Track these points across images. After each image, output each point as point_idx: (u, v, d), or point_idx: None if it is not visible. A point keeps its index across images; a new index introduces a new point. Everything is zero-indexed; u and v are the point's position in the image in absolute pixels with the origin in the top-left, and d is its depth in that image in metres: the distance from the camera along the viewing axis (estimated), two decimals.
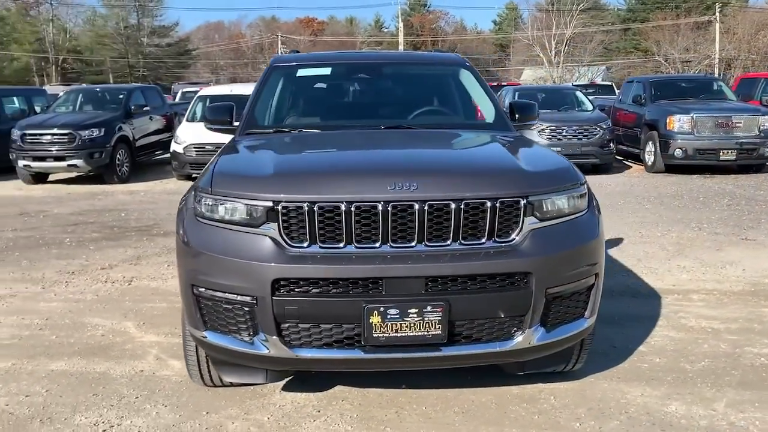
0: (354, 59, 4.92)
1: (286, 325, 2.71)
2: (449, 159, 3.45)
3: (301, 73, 4.48)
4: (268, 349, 2.74)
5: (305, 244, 2.69)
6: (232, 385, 3.25)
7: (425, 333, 2.68)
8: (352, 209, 2.65)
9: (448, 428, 2.98)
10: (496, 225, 2.72)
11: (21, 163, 11.45)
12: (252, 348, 2.77)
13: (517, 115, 4.17)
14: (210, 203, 2.82)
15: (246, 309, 2.72)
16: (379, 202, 2.66)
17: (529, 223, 2.77)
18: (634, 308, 4.62)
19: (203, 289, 2.81)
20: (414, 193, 2.66)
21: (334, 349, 2.73)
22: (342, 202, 2.65)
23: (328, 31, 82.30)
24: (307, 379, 3.40)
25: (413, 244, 2.69)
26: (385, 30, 76.60)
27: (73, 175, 12.08)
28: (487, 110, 4.23)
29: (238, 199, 2.75)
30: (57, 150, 11.21)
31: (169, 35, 58.49)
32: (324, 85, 4.47)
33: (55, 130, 11.34)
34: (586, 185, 3.06)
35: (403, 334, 2.67)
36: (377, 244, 2.68)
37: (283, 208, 2.68)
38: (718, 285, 5.14)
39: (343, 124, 4.06)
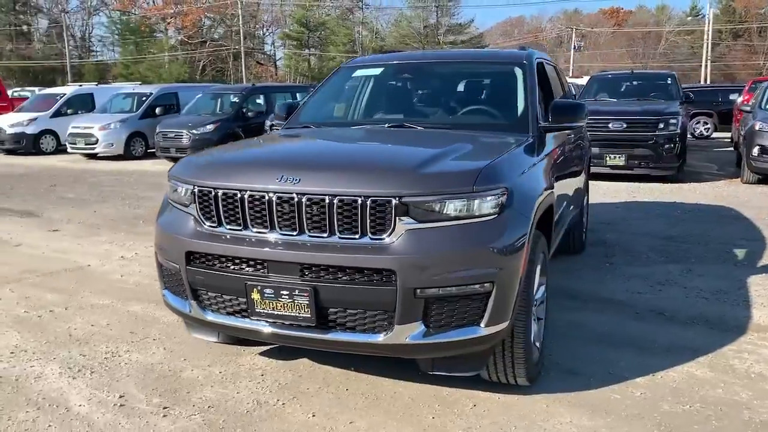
0: (408, 59, 5.06)
1: (200, 291, 3.19)
2: (355, 156, 3.54)
3: (358, 73, 4.83)
4: (190, 310, 3.25)
5: (215, 225, 3.12)
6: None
7: (297, 314, 2.92)
8: (246, 197, 3.00)
9: (347, 410, 3.14)
10: (367, 222, 2.83)
11: None
12: (184, 308, 3.30)
13: (550, 117, 3.99)
14: (170, 186, 3.42)
15: (178, 275, 3.27)
16: (267, 192, 2.96)
17: (404, 223, 2.80)
18: (683, 337, 4.06)
19: (160, 256, 3.43)
20: (296, 186, 2.90)
21: (232, 317, 3.13)
22: (238, 191, 3.03)
23: (632, 21, 77.79)
24: (292, 352, 3.75)
25: (296, 233, 2.94)
26: (701, 17, 69.17)
27: None
28: (518, 110, 4.12)
29: (180, 183, 3.30)
30: None
31: (464, 32, 61.13)
32: (370, 85, 4.75)
33: None
34: (496, 192, 2.91)
35: (279, 312, 2.95)
36: (267, 231, 3.00)
37: (199, 192, 3.16)
38: None
39: (360, 121, 4.34)
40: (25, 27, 60.20)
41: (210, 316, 3.16)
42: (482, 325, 2.86)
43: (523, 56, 4.50)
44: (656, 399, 3.25)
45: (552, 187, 3.67)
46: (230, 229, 3.05)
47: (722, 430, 2.95)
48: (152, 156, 15.97)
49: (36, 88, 26.27)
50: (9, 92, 23.78)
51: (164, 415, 3.09)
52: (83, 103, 17.66)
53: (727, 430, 2.95)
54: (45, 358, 3.75)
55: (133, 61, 53.39)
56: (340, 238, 2.85)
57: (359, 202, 2.80)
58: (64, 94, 17.90)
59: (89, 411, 3.13)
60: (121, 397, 3.27)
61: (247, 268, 2.98)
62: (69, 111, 17.19)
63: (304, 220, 2.88)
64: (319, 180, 2.89)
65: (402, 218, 2.79)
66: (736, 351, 3.84)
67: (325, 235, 2.87)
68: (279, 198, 2.92)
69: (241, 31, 54.39)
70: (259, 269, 2.95)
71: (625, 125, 10.65)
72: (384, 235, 2.81)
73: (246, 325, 3.05)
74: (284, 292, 2.89)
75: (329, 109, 4.69)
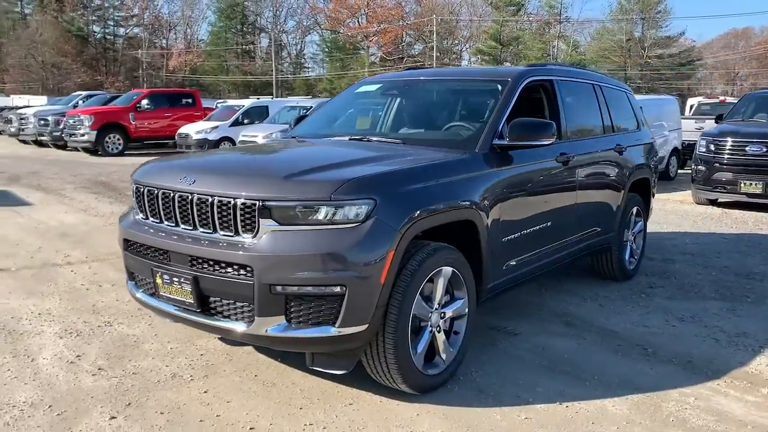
0: (402, 77, 5.21)
1: (133, 273, 3.74)
2: (247, 164, 3.89)
3: (360, 89, 5.13)
4: (130, 289, 3.81)
5: (144, 218, 3.65)
6: None
7: (184, 299, 3.34)
8: (159, 194, 3.49)
9: (237, 392, 3.47)
10: (239, 221, 3.16)
11: None
12: (128, 286, 3.88)
13: (508, 136, 4.00)
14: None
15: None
16: (173, 191, 3.42)
17: (266, 224, 3.09)
18: (641, 373, 3.79)
19: None
20: (191, 186, 3.33)
21: (150, 297, 3.62)
22: (155, 188, 3.52)
23: None
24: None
25: (191, 228, 3.36)
26: None
27: None
28: (475, 128, 4.18)
29: (132, 182, 3.88)
30: None
31: (672, 46, 57.04)
32: (361, 101, 5.02)
33: None
34: (359, 203, 3.07)
35: (173, 296, 3.39)
36: (173, 225, 3.45)
37: (135, 188, 3.71)
38: None
39: (332, 133, 4.62)
40: (249, 46, 67.56)
41: (138, 294, 3.68)
42: (336, 325, 3.04)
43: (510, 74, 4.49)
44: (534, 425, 3.15)
45: (485, 204, 3.70)
46: (152, 222, 3.55)
47: None
48: None
49: (246, 100, 29.53)
50: (216, 104, 27.04)
51: (93, 374, 3.65)
52: (259, 114, 19.63)
53: None
54: (56, 321, 4.53)
55: (336, 76, 57.49)
56: (221, 234, 3.21)
57: (232, 203, 3.14)
58: (243, 106, 20.08)
59: (45, 364, 3.79)
60: (78, 357, 3.90)
61: (155, 255, 3.45)
62: (246, 121, 19.22)
63: (196, 216, 3.28)
64: (207, 182, 3.28)
65: (265, 220, 3.07)
66: (683, 394, 3.53)
67: (210, 231, 3.24)
68: (179, 196, 3.35)
69: (434, 47, 55.99)
70: (163, 257, 3.40)
71: (765, 149, 9.53)
72: (250, 235, 3.11)
73: (157, 304, 3.52)
74: (175, 279, 3.32)
75: (320, 122, 5.02)
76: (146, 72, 65.82)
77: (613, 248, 5.53)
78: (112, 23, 68.61)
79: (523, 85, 4.39)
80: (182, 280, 3.27)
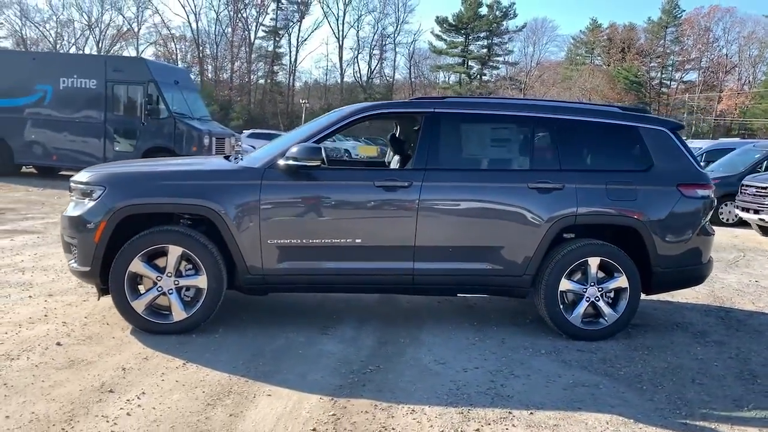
0: None
1: None
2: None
3: None
4: None
5: None
6: None
7: None
8: None
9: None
10: None
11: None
12: None
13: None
14: None
15: None
16: None
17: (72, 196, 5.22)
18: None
19: None
20: None
21: None
22: None
23: None
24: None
25: None
26: None
27: None
28: None
29: None
30: None
31: None
32: None
33: None
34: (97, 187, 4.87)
35: None
36: None
37: None
38: None
39: None
40: None
41: None
42: (74, 262, 4.93)
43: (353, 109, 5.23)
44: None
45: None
46: None
47: None
48: None
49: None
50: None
51: (28, 328, 4.72)
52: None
53: None
54: (44, 299, 5.44)
55: None
56: None
57: None
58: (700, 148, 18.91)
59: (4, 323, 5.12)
60: (30, 322, 4.86)
61: None
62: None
63: None
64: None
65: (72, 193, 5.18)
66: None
67: None
68: None
69: None
70: None
71: None
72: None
73: None
74: None
75: None
76: (696, 116, 64.59)
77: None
78: (670, 68, 69.74)
79: (355, 117, 5.05)
80: None
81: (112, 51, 63.38)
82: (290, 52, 69.72)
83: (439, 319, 5.52)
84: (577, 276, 5.09)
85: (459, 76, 68.71)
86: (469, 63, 69.24)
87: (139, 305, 4.75)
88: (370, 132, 40.76)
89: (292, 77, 70.93)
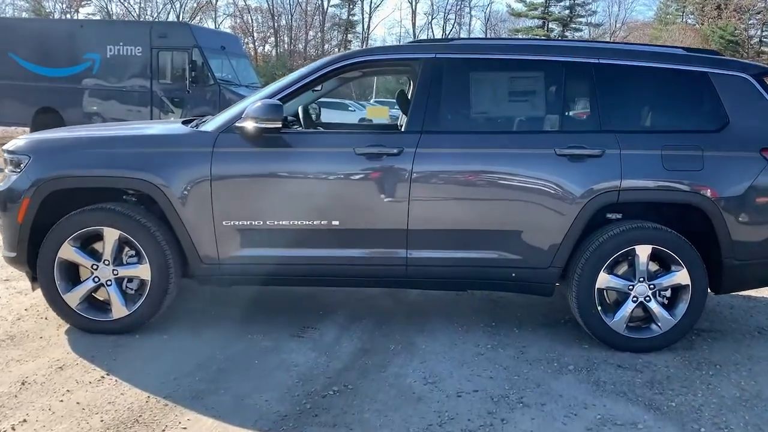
0: None
1: None
2: None
3: None
4: None
5: None
6: None
7: None
8: None
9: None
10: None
11: None
12: None
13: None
14: None
15: None
16: None
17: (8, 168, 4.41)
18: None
19: None
20: None
21: None
22: None
23: None
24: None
25: None
26: None
27: None
28: None
29: None
30: None
31: None
32: None
33: None
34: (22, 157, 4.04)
35: None
36: None
37: None
38: None
39: None
40: None
41: None
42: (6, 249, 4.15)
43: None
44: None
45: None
46: None
47: None
48: None
49: None
50: None
51: None
52: None
53: None
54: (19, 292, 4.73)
55: None
56: None
57: None
58: None
59: None
60: None
61: None
62: None
63: None
64: None
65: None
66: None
67: None
68: None
69: None
70: None
71: None
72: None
73: None
74: None
75: None
76: None
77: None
78: None
79: (328, 69, 4.03)
80: None
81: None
82: (363, 19, 68.61)
83: (449, 317, 4.46)
84: (622, 269, 3.91)
85: None
86: (550, 25, 65.90)
87: (73, 298, 3.94)
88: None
89: (365, 45, 69.83)
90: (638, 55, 4.01)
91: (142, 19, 55.82)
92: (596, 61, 3.96)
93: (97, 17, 58.37)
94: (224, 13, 69.06)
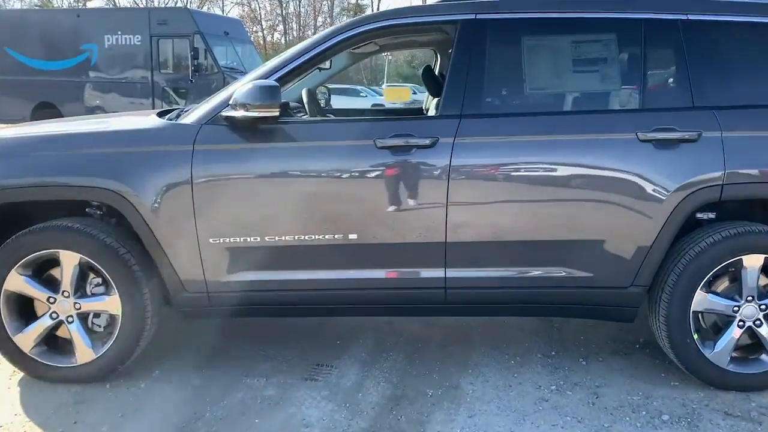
0: None
1: None
2: None
3: None
4: None
5: None
6: None
7: None
8: None
9: None
10: None
11: None
12: None
13: None
14: None
15: None
16: None
17: None
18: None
19: None
20: None
21: None
22: None
23: None
24: None
25: None
26: None
27: None
28: None
29: None
30: None
31: None
32: None
33: None
34: None
35: None
36: None
37: None
38: None
39: None
40: None
41: None
42: None
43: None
44: None
45: None
46: None
47: None
48: None
49: None
50: None
51: None
52: None
53: None
54: None
55: None
56: None
57: None
58: None
59: None
60: None
61: None
62: None
63: None
64: None
65: None
66: None
67: None
68: None
69: None
70: None
71: None
72: None
73: None
74: None
75: None
76: None
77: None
78: None
79: (337, 39, 3.13)
80: None
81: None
82: (372, 2, 67.34)
83: (496, 345, 3.60)
84: (723, 285, 3.02)
85: None
86: None
87: (26, 340, 3.13)
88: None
89: None
90: (740, 8, 3.08)
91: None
92: (685, 17, 3.03)
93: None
94: (232, 2, 67.90)
